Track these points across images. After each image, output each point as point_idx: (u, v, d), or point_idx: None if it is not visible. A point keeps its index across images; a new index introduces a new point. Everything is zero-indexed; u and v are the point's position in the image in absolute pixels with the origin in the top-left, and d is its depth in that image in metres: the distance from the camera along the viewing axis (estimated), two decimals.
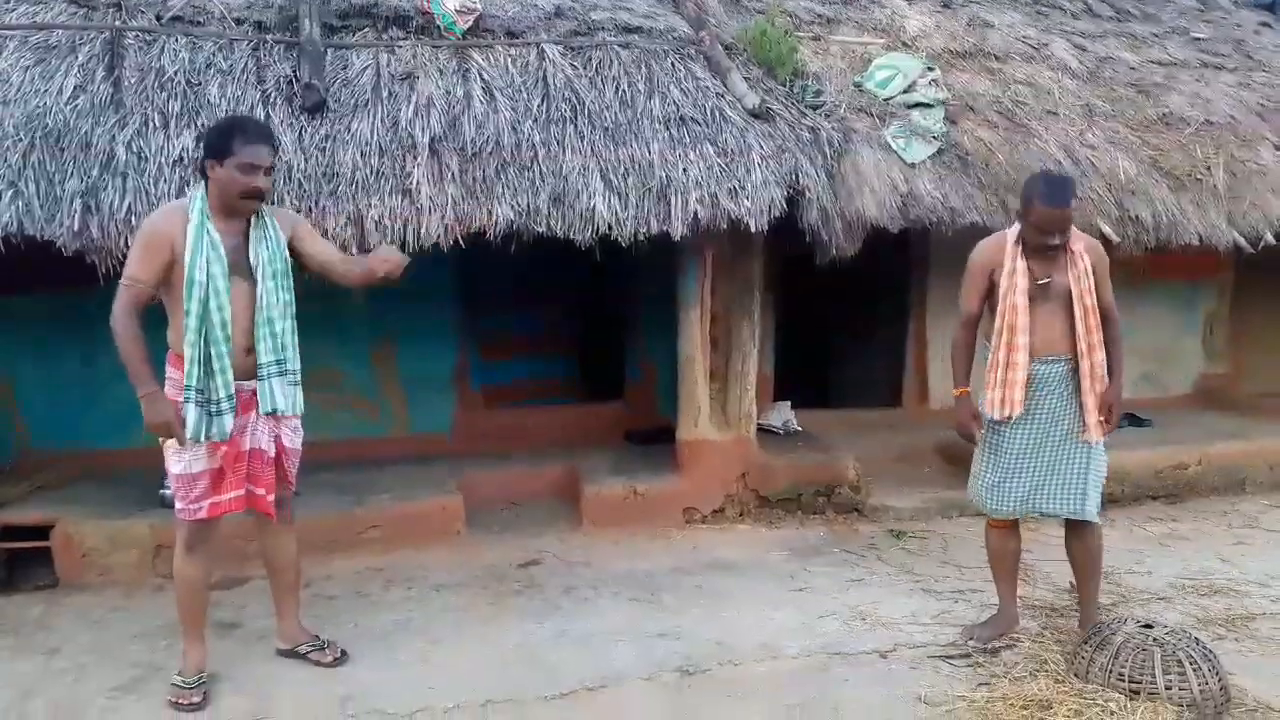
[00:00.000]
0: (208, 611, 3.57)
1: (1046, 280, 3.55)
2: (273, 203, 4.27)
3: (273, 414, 3.38)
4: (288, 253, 3.39)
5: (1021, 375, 3.58)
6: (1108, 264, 3.66)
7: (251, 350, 3.30)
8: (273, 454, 3.41)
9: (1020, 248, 3.59)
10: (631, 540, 5.11)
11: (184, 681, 3.38)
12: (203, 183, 3.28)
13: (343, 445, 5.77)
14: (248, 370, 3.30)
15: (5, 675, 3.60)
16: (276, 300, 3.33)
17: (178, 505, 3.33)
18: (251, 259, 3.28)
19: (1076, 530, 3.74)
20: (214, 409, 3.21)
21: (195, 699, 3.33)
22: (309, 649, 3.66)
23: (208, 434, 3.22)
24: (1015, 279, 3.57)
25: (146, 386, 3.14)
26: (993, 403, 3.64)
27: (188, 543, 3.38)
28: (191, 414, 3.18)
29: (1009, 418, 3.62)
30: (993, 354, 3.66)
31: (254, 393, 3.34)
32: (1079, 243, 3.57)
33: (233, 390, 3.23)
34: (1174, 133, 6.26)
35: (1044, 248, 3.51)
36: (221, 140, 3.22)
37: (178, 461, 3.26)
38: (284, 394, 3.39)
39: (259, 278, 3.28)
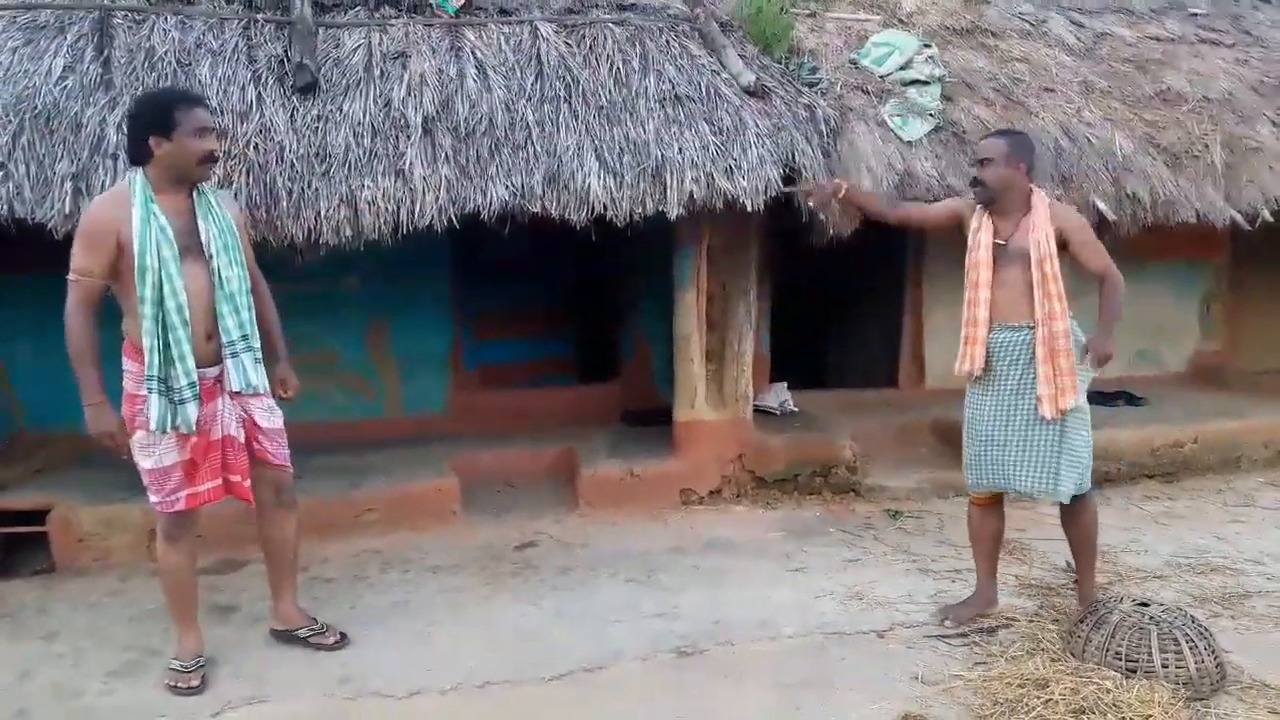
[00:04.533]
0: (197, 596, 3.52)
1: (1004, 242, 3.59)
2: (262, 187, 4.26)
3: (242, 393, 3.32)
4: (236, 228, 3.33)
5: (981, 333, 3.62)
6: (1086, 228, 3.59)
7: (213, 335, 3.23)
8: (243, 440, 3.35)
9: (988, 211, 3.67)
10: (628, 521, 5.11)
11: (181, 665, 3.37)
12: (140, 167, 3.16)
13: (337, 426, 5.78)
14: (210, 356, 3.24)
15: (4, 658, 3.60)
16: (234, 274, 3.25)
17: (154, 499, 3.27)
18: (202, 236, 3.19)
19: (1069, 506, 3.71)
20: (177, 398, 3.15)
21: (194, 682, 3.32)
22: (309, 633, 3.63)
23: (173, 424, 3.15)
24: (979, 236, 3.64)
25: (92, 396, 3.12)
26: (959, 358, 3.71)
27: (168, 533, 3.34)
28: (155, 404, 3.12)
29: (969, 374, 3.69)
30: (964, 311, 3.72)
31: (217, 379, 3.28)
32: (1043, 208, 3.56)
33: (195, 378, 3.16)
34: (1171, 109, 6.23)
35: (970, 182, 3.76)
36: (161, 114, 3.12)
37: (148, 457, 3.20)
38: (254, 369, 3.34)
39: (212, 253, 3.20)
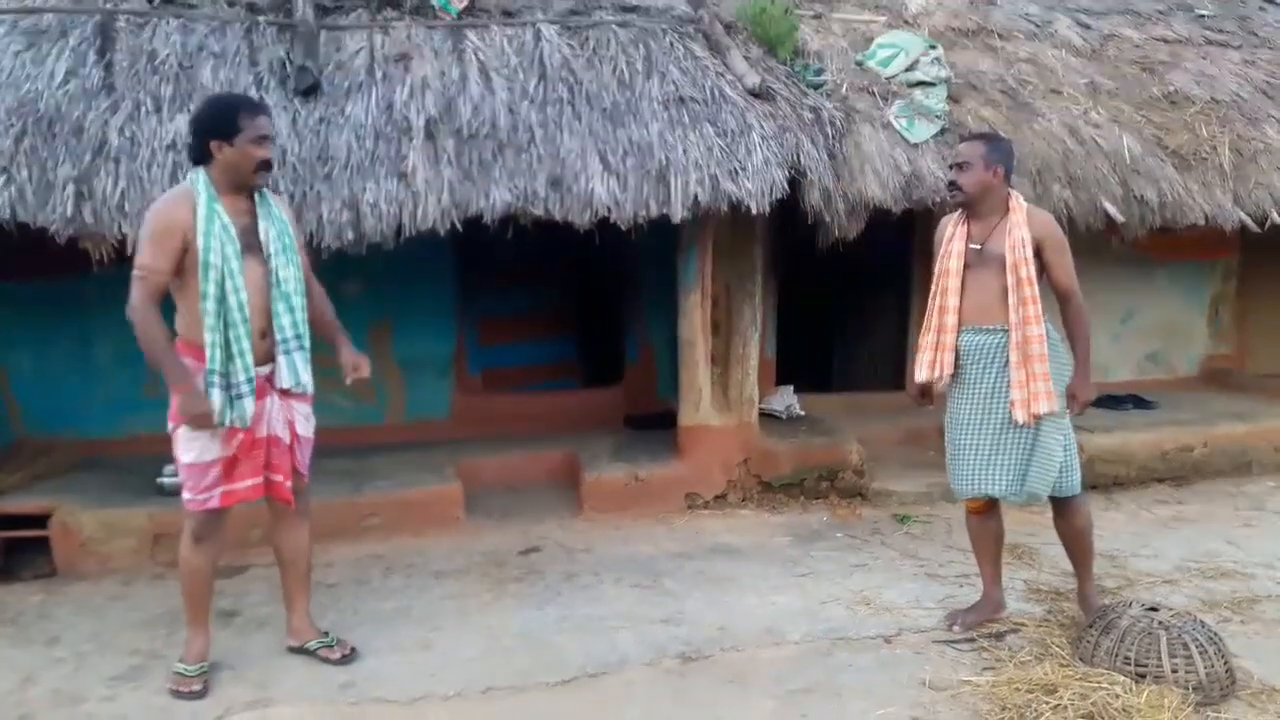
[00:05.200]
0: (212, 600, 3.51)
1: (979, 246, 3.57)
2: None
3: (290, 391, 3.35)
4: (291, 228, 3.37)
5: (950, 339, 3.62)
6: (1061, 241, 3.57)
7: (266, 333, 3.27)
8: (288, 440, 3.38)
9: (965, 215, 3.66)
10: (633, 526, 5.08)
11: (185, 669, 3.34)
12: (202, 167, 3.19)
13: (340, 431, 5.72)
14: (263, 354, 3.27)
15: (5, 664, 3.58)
16: (290, 275, 3.30)
17: (186, 496, 3.27)
18: (261, 236, 3.25)
19: (1059, 509, 3.69)
20: (235, 392, 3.18)
21: (196, 687, 3.30)
22: (318, 645, 3.58)
23: (231, 419, 3.18)
24: (952, 244, 3.64)
25: (183, 381, 3.12)
26: (923, 365, 3.69)
27: (196, 534, 3.32)
28: (216, 399, 3.15)
29: (938, 380, 3.68)
30: (926, 318, 3.71)
31: (268, 377, 3.30)
32: (1022, 213, 3.54)
33: (253, 374, 3.20)
34: (1179, 111, 6.21)
35: (946, 185, 3.72)
36: (225, 119, 3.16)
37: (189, 450, 3.21)
38: (304, 368, 3.38)
39: (270, 253, 3.25)
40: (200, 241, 3.10)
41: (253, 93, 4.51)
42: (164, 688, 3.33)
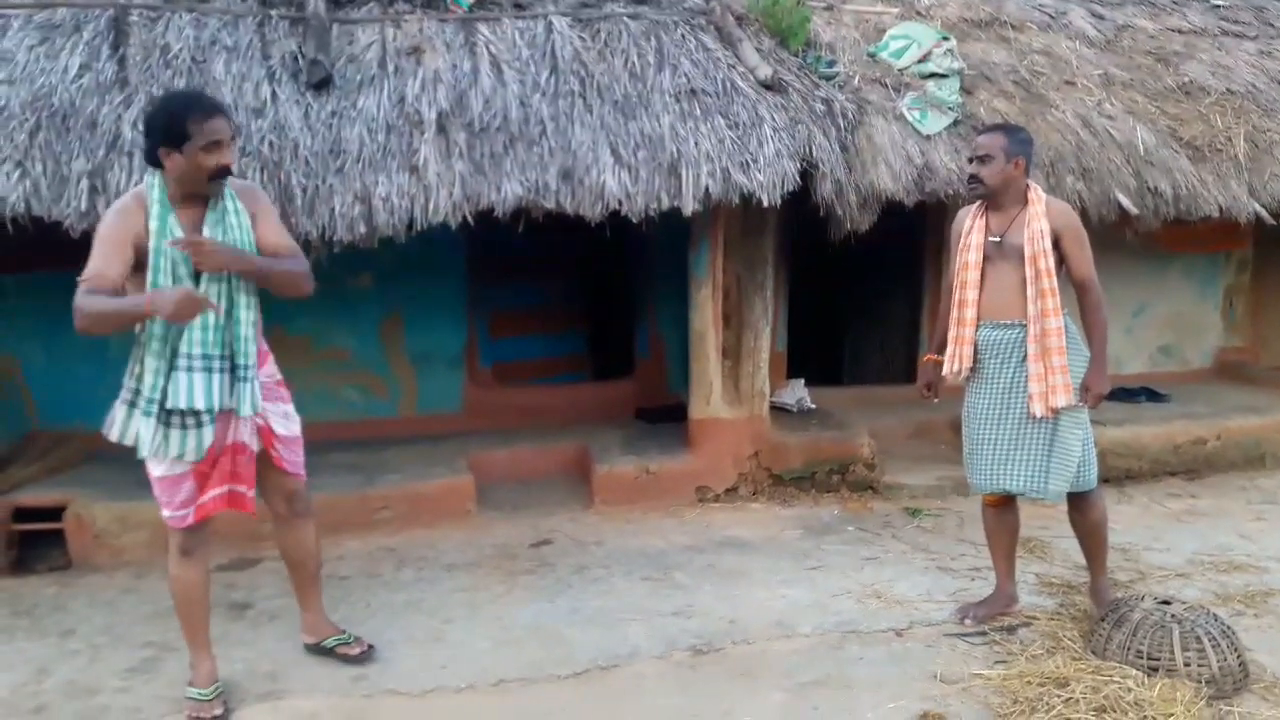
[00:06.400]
0: (209, 613, 3.32)
1: (999, 238, 3.54)
2: (276, 184, 4.25)
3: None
4: (253, 235, 3.07)
5: (969, 333, 3.61)
6: (1080, 232, 3.53)
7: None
8: (256, 448, 3.19)
9: (984, 207, 3.63)
10: (644, 519, 5.09)
11: (200, 694, 3.18)
12: (157, 171, 2.94)
13: (351, 424, 5.77)
14: None
15: (21, 656, 3.61)
16: (241, 301, 3.04)
17: (165, 513, 3.10)
18: None
19: (1075, 503, 3.68)
20: (191, 422, 2.98)
21: (218, 710, 3.14)
22: (335, 642, 3.55)
23: (183, 452, 2.98)
24: (970, 236, 3.61)
25: (141, 305, 2.78)
26: (947, 359, 3.70)
27: (183, 547, 3.15)
28: (147, 428, 2.93)
29: (957, 374, 3.68)
30: (949, 313, 3.71)
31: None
32: (1040, 204, 3.52)
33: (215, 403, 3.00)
34: (1194, 102, 6.17)
35: (967, 179, 3.64)
36: (174, 123, 2.87)
37: (159, 464, 3.02)
38: (259, 396, 3.16)
39: (224, 276, 3.00)
40: (150, 260, 2.88)
41: (265, 86, 4.53)
42: (178, 680, 3.33)
